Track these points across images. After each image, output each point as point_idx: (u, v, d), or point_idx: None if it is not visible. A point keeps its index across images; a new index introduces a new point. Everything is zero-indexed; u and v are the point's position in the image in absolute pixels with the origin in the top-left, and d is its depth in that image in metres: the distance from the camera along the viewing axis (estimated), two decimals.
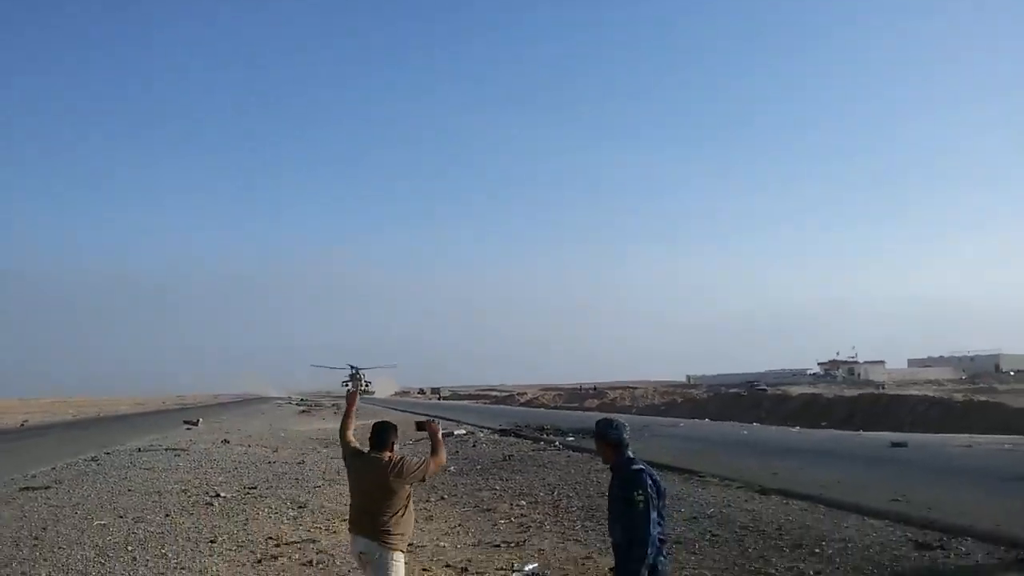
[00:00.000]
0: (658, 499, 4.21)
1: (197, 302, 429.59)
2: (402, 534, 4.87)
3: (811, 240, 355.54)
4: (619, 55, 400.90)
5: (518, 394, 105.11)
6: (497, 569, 8.17)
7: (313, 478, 15.99)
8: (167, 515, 11.38)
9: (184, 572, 8.01)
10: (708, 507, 11.35)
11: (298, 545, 9.29)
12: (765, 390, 69.19)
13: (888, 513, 10.25)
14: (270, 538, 9.69)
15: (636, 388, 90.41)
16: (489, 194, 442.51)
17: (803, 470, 15.23)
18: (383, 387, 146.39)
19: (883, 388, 66.78)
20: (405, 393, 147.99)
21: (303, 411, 60.73)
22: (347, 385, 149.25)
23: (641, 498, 4.11)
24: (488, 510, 12.05)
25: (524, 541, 9.62)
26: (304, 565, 8.33)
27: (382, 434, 5.04)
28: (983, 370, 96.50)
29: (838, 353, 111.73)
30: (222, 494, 13.34)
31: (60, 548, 9.19)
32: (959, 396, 46.83)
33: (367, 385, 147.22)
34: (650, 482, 4.20)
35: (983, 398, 45.15)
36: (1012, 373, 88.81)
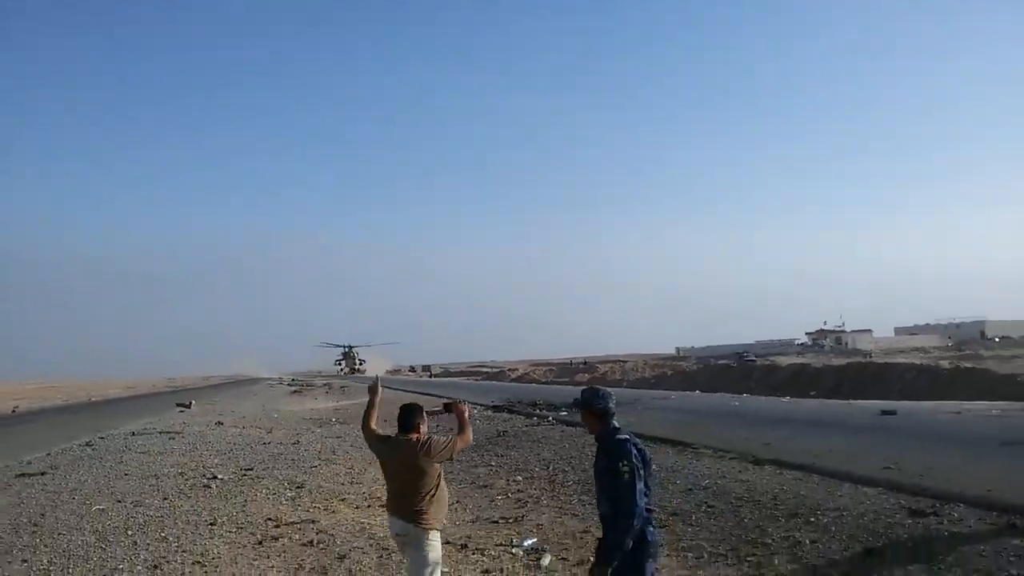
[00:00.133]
0: (644, 468, 4.12)
1: (185, 284, 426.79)
2: (437, 513, 4.99)
3: (798, 210, 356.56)
4: (593, 25, 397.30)
5: (509, 370, 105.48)
6: (496, 545, 8.25)
7: (309, 458, 16.03)
8: (165, 498, 11.39)
9: (185, 555, 8.03)
10: (703, 479, 11.46)
11: (298, 526, 9.33)
12: (754, 361, 69.82)
13: (880, 481, 10.38)
14: (269, 519, 9.73)
15: (626, 361, 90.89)
16: (472, 168, 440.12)
17: (795, 440, 15.39)
18: (377, 366, 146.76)
19: (870, 357, 67.39)
20: (397, 371, 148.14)
21: (295, 391, 60.78)
22: (340, 365, 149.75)
23: (626, 469, 4.03)
24: (485, 486, 12.14)
25: (522, 516, 9.73)
26: (305, 545, 8.38)
27: (409, 416, 5.14)
28: (969, 337, 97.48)
29: (825, 323, 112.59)
30: (219, 476, 13.36)
31: (60, 534, 9.18)
32: (946, 363, 47.43)
33: (361, 364, 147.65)
34: (635, 452, 4.12)
35: (969, 365, 45.76)
36: (997, 339, 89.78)
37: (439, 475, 5.07)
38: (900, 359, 56.67)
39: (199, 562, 7.76)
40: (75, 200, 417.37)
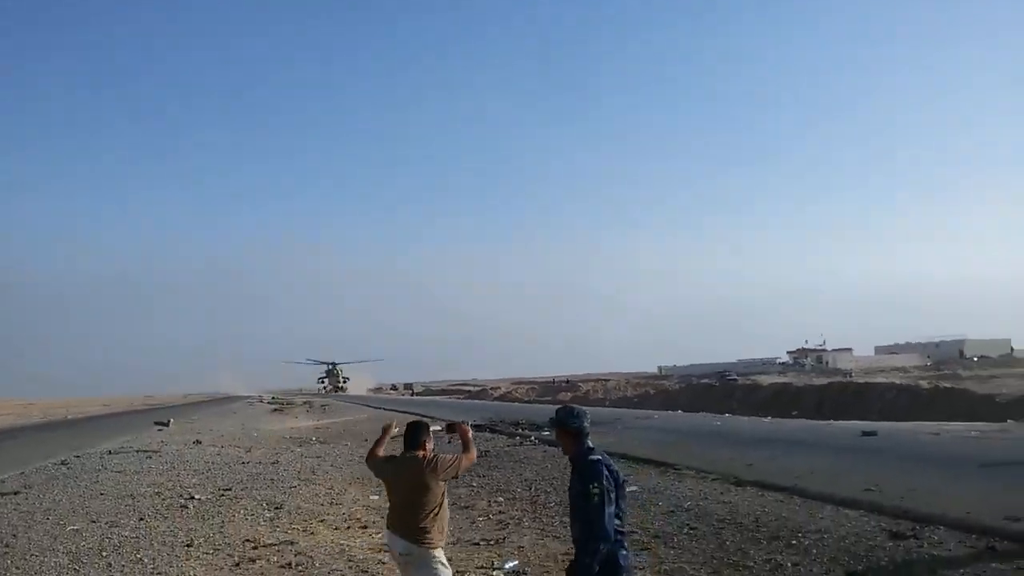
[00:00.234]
0: (616, 490, 4.09)
1: (163, 300, 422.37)
2: (440, 532, 5.00)
3: (781, 226, 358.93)
4: (588, 47, 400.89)
5: (491, 388, 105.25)
6: (477, 567, 8.17)
7: (288, 478, 15.85)
8: (141, 519, 11.22)
9: None
10: (685, 500, 11.45)
11: (276, 547, 9.20)
12: (736, 380, 70.13)
13: (862, 503, 10.40)
14: (247, 540, 9.60)
15: (608, 380, 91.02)
16: (459, 186, 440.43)
17: (777, 460, 15.42)
18: (359, 384, 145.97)
19: (851, 376, 67.92)
20: (379, 389, 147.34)
21: (275, 410, 60.11)
22: (323, 382, 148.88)
23: (596, 491, 4.00)
24: (466, 507, 12.04)
25: (503, 538, 9.64)
26: (283, 568, 8.27)
27: (416, 433, 5.16)
28: (948, 356, 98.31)
29: (807, 341, 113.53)
30: (196, 496, 13.18)
31: (32, 555, 9.01)
32: (925, 383, 47.82)
33: (345, 382, 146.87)
34: (606, 473, 4.09)
35: (948, 385, 46.15)
36: (976, 359, 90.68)
37: (443, 493, 5.08)
38: (880, 378, 57.16)
39: None
40: (46, 218, 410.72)
